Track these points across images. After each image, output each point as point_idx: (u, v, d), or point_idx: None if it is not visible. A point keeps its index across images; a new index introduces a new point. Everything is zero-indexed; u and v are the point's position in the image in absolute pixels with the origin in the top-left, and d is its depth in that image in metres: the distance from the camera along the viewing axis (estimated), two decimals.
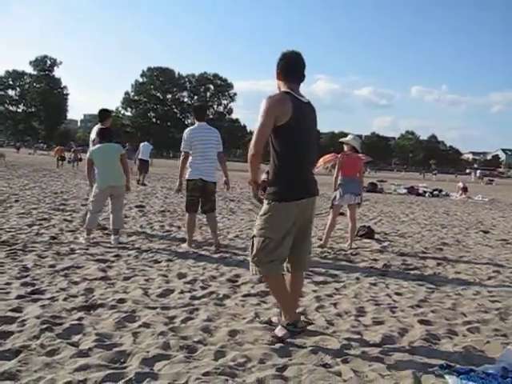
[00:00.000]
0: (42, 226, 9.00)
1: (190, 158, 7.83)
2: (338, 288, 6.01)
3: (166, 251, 7.53)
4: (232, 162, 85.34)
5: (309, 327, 4.49)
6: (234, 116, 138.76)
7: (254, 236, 4.22)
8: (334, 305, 5.30)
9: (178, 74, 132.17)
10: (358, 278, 6.56)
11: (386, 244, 9.49)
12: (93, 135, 8.93)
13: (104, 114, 9.09)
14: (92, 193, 7.95)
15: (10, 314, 4.38)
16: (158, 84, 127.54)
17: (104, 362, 3.51)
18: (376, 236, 10.26)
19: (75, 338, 3.94)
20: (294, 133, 4.11)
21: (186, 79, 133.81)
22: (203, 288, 5.63)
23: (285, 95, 4.11)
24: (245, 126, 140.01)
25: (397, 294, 5.91)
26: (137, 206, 13.06)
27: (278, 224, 4.14)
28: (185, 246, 7.97)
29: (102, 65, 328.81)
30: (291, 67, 4.27)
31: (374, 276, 6.74)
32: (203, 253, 7.59)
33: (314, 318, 4.79)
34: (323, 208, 16.05)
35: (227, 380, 3.29)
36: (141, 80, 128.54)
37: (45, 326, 4.08)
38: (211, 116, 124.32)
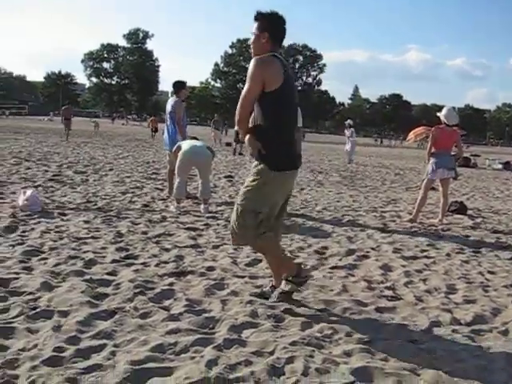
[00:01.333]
0: (134, 194, 9.32)
1: None
2: (427, 264, 5.87)
3: None
4: (320, 134, 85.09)
5: (397, 302, 4.43)
6: (322, 87, 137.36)
7: (242, 208, 3.91)
8: (424, 281, 5.18)
9: None
10: (448, 255, 6.38)
11: (478, 220, 9.16)
12: (169, 107, 9.12)
13: (178, 85, 9.22)
14: (177, 164, 8.10)
15: (105, 277, 4.59)
16: (247, 55, 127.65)
17: (194, 326, 3.61)
18: (468, 212, 9.91)
19: (166, 303, 4.07)
20: (287, 99, 3.90)
21: None
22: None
23: (275, 59, 3.84)
24: (334, 98, 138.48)
25: (490, 272, 5.69)
26: (226, 177, 13.25)
27: (270, 195, 3.92)
28: None
29: (192, 37, 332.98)
30: (281, 29, 4.00)
31: (466, 253, 6.53)
32: (291, 224, 7.60)
33: (402, 293, 4.71)
34: (413, 182, 15.71)
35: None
36: (230, 51, 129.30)
37: (138, 289, 4.23)
38: (300, 88, 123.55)
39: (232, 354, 3.22)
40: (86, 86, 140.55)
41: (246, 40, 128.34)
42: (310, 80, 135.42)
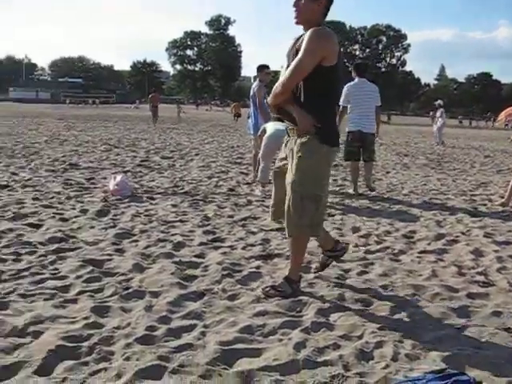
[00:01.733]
0: (220, 179, 9.46)
1: (350, 111, 8.45)
2: None
3: (339, 205, 7.53)
4: (405, 117, 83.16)
5: (490, 288, 4.27)
6: (407, 68, 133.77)
7: (302, 195, 3.69)
8: None
9: (350, 26, 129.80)
10: None
11: None
12: (251, 91, 9.14)
13: (259, 68, 9.21)
14: (261, 148, 8.11)
15: (194, 259, 4.69)
16: None
17: (281, 309, 3.62)
18: None
19: (254, 285, 4.10)
20: (340, 76, 3.75)
21: (358, 32, 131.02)
22: (378, 243, 5.57)
23: (334, 33, 3.63)
24: (418, 79, 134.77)
25: None
26: None
27: (325, 174, 3.82)
28: (350, 191, 8.60)
29: (274, 21, 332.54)
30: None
31: None
32: (377, 208, 7.49)
33: (495, 279, 4.53)
34: (505, 164, 15.11)
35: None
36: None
37: (226, 272, 4.30)
38: (383, 69, 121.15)
39: (320, 337, 3.21)
40: (171, 74, 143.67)
41: (328, 22, 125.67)
42: (393, 61, 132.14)
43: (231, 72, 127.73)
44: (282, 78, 3.68)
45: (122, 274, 4.19)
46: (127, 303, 3.63)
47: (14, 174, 8.99)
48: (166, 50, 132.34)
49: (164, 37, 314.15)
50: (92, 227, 5.65)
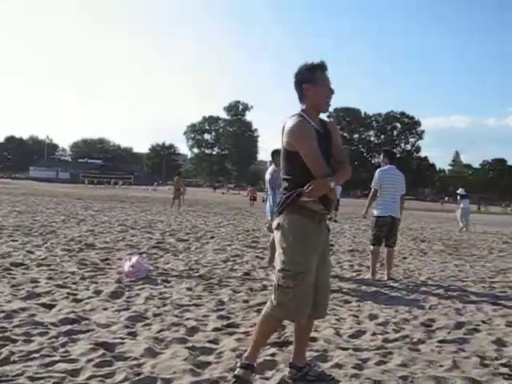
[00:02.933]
0: (235, 262, 9.38)
1: (380, 196, 8.63)
2: None
3: (356, 291, 7.40)
4: (419, 202, 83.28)
5: None
6: (421, 154, 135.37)
7: None
8: None
9: (365, 113, 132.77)
10: None
11: None
12: (267, 176, 9.23)
13: (275, 153, 9.33)
14: None
15: (207, 344, 4.57)
16: (344, 124, 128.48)
17: None
18: None
19: (269, 374, 3.98)
20: None
21: (373, 118, 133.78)
22: (396, 331, 5.41)
23: None
24: (433, 165, 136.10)
25: None
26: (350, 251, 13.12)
27: None
28: (368, 276, 8.58)
29: (289, 107, 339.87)
30: None
31: None
32: (394, 294, 7.35)
33: None
34: None
35: None
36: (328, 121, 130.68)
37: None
38: (398, 155, 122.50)
39: None
40: (188, 157, 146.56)
41: (343, 109, 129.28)
42: (408, 147, 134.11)
43: (247, 156, 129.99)
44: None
45: (134, 359, 4.10)
46: None
47: (29, 252, 9.01)
48: (184, 133, 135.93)
49: (182, 120, 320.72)
50: (105, 309, 5.59)
